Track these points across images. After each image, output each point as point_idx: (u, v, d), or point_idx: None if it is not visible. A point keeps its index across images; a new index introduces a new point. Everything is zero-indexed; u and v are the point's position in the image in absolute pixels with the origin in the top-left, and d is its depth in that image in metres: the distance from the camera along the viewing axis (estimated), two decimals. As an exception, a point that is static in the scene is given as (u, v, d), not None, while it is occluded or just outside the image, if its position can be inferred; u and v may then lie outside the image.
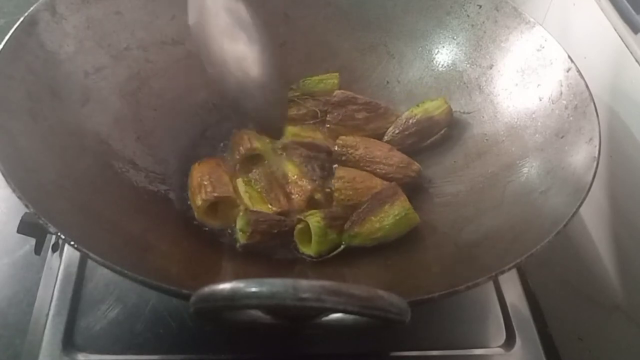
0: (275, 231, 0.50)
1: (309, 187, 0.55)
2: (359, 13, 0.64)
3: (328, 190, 0.55)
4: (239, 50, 0.47)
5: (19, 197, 0.38)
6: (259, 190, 0.55)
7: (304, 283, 0.29)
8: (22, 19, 0.49)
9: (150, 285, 0.36)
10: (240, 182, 0.56)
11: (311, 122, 0.61)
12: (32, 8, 0.50)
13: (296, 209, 0.54)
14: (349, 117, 0.59)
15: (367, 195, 0.52)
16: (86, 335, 0.49)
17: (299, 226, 0.51)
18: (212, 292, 0.30)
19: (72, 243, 0.37)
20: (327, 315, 0.37)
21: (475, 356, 0.50)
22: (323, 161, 0.57)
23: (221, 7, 0.49)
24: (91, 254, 0.36)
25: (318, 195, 0.55)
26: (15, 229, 0.51)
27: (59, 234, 0.37)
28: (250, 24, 0.49)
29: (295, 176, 0.56)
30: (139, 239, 0.46)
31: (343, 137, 0.57)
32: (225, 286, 0.30)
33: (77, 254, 0.54)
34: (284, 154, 0.58)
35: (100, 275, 0.53)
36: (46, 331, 0.49)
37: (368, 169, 0.55)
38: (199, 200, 0.52)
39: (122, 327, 0.49)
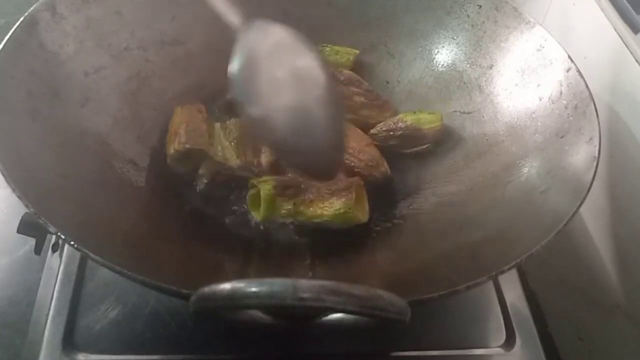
0: (233, 185, 0.53)
1: None
2: (359, 13, 0.64)
3: None
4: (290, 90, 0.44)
5: (19, 197, 0.38)
6: (230, 140, 0.56)
7: (303, 282, 0.29)
8: (22, 19, 0.49)
9: (150, 285, 0.36)
10: (217, 127, 0.57)
11: None
12: (32, 8, 0.50)
13: (262, 167, 0.55)
14: (347, 96, 0.59)
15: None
16: (86, 335, 0.49)
17: (252, 191, 0.52)
18: (212, 292, 0.31)
19: (72, 243, 0.37)
20: (327, 315, 0.37)
21: (475, 356, 0.50)
22: None
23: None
24: (91, 254, 0.36)
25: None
26: (15, 229, 0.51)
27: (59, 234, 0.37)
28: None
29: None
30: (139, 239, 0.46)
31: None
32: (225, 286, 0.30)
33: (77, 254, 0.54)
34: None
35: (100, 275, 0.53)
36: (46, 331, 0.49)
37: None
38: (171, 148, 0.54)
39: (122, 327, 0.49)
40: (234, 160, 0.55)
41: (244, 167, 0.54)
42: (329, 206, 0.51)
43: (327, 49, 0.63)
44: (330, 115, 0.45)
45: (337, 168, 0.49)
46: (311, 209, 0.51)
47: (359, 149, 0.56)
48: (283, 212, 0.51)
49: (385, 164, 0.56)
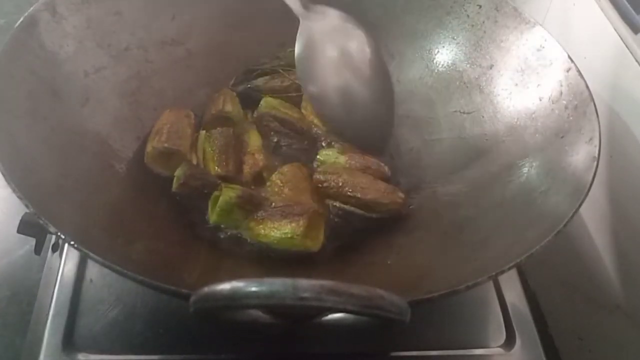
0: (206, 192, 0.52)
1: (261, 163, 0.55)
2: (359, 13, 0.64)
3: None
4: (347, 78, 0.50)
5: (19, 197, 0.38)
6: (214, 149, 0.55)
7: (303, 282, 0.29)
8: (22, 19, 0.49)
9: (150, 285, 0.36)
10: (202, 135, 0.57)
11: (294, 94, 0.61)
12: (32, 8, 0.50)
13: (242, 179, 0.54)
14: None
15: (285, 202, 0.52)
16: (86, 335, 0.49)
17: (216, 193, 0.51)
18: (212, 292, 0.31)
19: (72, 243, 0.37)
20: (327, 314, 0.37)
21: (475, 356, 0.50)
22: (292, 141, 0.58)
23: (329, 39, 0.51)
24: (91, 254, 0.36)
25: (266, 174, 0.55)
26: (15, 229, 0.51)
27: (59, 234, 0.37)
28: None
29: (255, 148, 0.56)
30: (139, 239, 0.46)
31: (325, 166, 0.56)
32: (225, 286, 0.30)
33: (77, 254, 0.54)
34: (255, 124, 0.59)
35: (100, 275, 0.53)
36: (46, 331, 0.49)
37: (351, 193, 0.53)
38: (149, 146, 0.54)
39: (122, 327, 0.49)
40: (213, 168, 0.54)
41: (222, 176, 0.54)
42: (278, 228, 0.49)
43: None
44: (379, 93, 0.51)
45: (385, 143, 0.52)
46: (260, 226, 0.50)
47: (370, 182, 0.54)
48: (239, 225, 0.51)
49: (400, 191, 0.54)
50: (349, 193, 0.53)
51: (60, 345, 0.48)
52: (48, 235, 0.55)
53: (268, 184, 0.54)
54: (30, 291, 0.62)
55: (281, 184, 0.53)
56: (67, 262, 0.53)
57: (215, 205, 0.51)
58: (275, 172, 0.54)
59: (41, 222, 0.37)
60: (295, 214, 0.50)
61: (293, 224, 0.49)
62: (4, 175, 0.39)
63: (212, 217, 0.51)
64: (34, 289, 0.54)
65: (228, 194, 0.50)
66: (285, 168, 0.55)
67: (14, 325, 0.61)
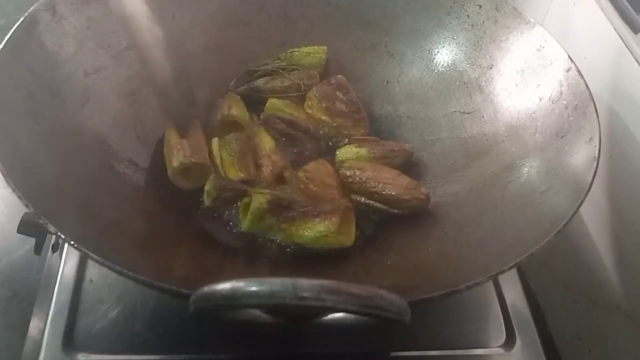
0: (239, 201, 0.52)
1: (281, 163, 0.55)
2: (359, 13, 0.64)
3: (296, 172, 0.55)
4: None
5: (19, 197, 0.38)
6: (232, 154, 0.55)
7: (303, 282, 0.29)
8: (22, 19, 0.49)
9: (150, 285, 0.36)
10: (215, 142, 0.56)
11: (294, 94, 0.62)
12: (32, 8, 0.50)
13: (263, 182, 0.54)
14: (330, 99, 0.60)
15: (313, 200, 0.52)
16: (86, 335, 0.49)
17: (245, 200, 0.51)
18: (212, 292, 0.31)
19: (72, 243, 0.37)
20: (327, 314, 0.37)
21: (475, 356, 0.50)
22: (300, 141, 0.58)
23: None
24: (91, 254, 0.36)
25: (287, 173, 0.55)
26: (15, 229, 0.51)
27: (59, 234, 0.37)
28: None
29: (270, 149, 0.56)
30: (139, 239, 0.46)
31: (351, 161, 0.56)
32: (225, 285, 0.30)
33: (77, 254, 0.54)
34: (263, 126, 0.59)
35: (100, 275, 0.53)
36: (46, 331, 0.49)
37: (374, 189, 0.53)
38: (175, 161, 0.53)
39: (122, 327, 0.49)
40: (236, 174, 0.54)
41: (245, 180, 0.54)
42: (312, 227, 0.49)
43: (296, 52, 0.63)
44: None
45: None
46: (293, 227, 0.50)
47: (393, 177, 0.54)
48: (270, 228, 0.50)
49: (422, 187, 0.54)
50: (371, 188, 0.54)
51: (60, 345, 0.48)
52: (48, 235, 0.55)
53: (294, 182, 0.54)
54: (30, 291, 0.62)
55: (307, 181, 0.53)
56: (67, 262, 0.53)
57: (246, 213, 0.50)
58: (300, 170, 0.54)
59: (41, 222, 0.37)
60: (326, 212, 0.50)
61: (326, 222, 0.49)
62: (4, 175, 0.39)
63: (245, 224, 0.50)
64: (34, 289, 0.54)
65: (258, 200, 0.49)
66: (309, 167, 0.55)
67: (14, 325, 0.61)
